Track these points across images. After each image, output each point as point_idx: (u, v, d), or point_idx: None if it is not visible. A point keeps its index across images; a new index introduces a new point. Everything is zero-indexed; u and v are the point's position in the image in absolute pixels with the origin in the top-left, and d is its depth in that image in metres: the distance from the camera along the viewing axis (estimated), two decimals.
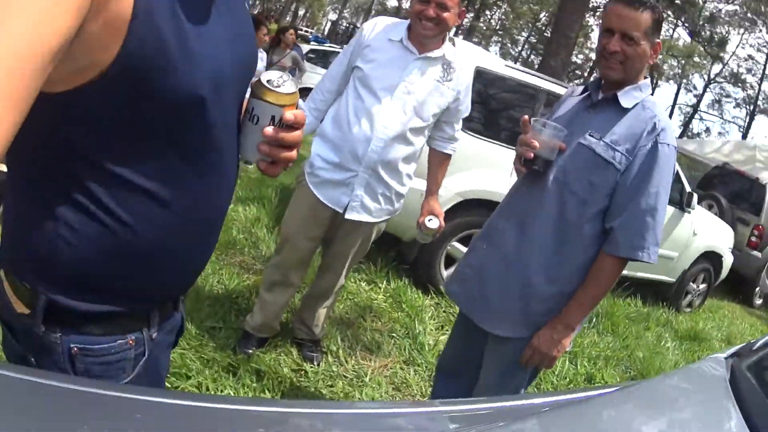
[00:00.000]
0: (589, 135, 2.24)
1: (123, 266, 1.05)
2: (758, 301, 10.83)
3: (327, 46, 19.38)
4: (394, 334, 4.16)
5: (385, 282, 4.91)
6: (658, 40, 2.28)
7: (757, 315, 10.20)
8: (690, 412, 1.35)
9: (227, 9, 1.12)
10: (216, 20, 1.08)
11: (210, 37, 1.05)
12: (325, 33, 47.42)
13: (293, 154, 1.18)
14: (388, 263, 5.20)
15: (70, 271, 1.02)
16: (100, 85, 0.92)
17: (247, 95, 1.20)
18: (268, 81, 1.14)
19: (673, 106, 46.76)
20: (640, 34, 2.18)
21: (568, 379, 4.38)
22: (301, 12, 55.40)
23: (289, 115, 1.14)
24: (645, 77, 2.35)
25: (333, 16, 60.85)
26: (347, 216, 3.01)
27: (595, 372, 4.65)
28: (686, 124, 46.92)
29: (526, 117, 2.28)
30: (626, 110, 2.25)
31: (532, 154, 2.21)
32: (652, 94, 2.35)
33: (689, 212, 7.11)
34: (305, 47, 14.07)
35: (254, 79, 1.19)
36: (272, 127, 1.13)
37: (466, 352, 2.60)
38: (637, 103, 2.26)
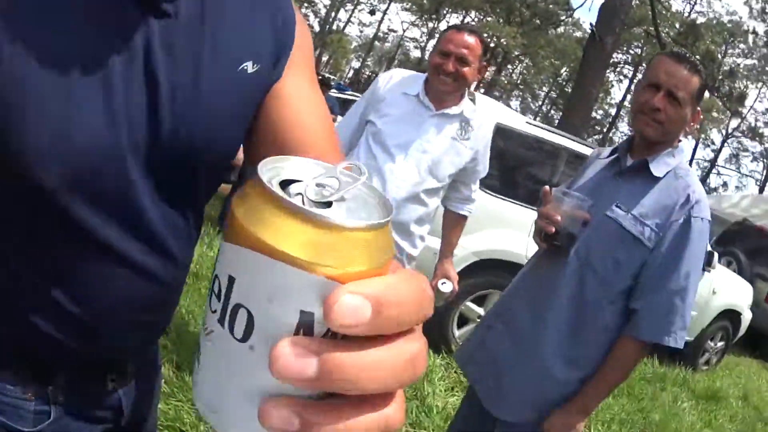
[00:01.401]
0: (616, 207, 2.05)
1: None
2: None
3: (348, 94, 18.14)
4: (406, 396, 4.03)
5: None
6: (699, 108, 2.13)
7: None
8: None
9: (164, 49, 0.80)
10: (123, 67, 0.77)
11: (88, 92, 0.75)
12: (347, 81, 45.48)
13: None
14: None
15: None
16: None
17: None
18: (290, 190, 0.39)
19: (690, 162, 46.88)
20: (687, 97, 2.03)
21: None
22: (324, 58, 54.16)
23: (351, 302, 0.34)
24: (679, 141, 2.17)
25: (356, 64, 59.96)
26: None
27: None
28: (704, 180, 46.85)
29: (547, 187, 2.09)
30: (657, 179, 2.06)
31: (553, 229, 2.01)
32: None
33: (709, 271, 6.98)
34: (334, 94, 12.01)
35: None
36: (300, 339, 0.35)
37: (474, 428, 2.40)
38: (669, 171, 2.07)
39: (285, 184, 0.39)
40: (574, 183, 2.31)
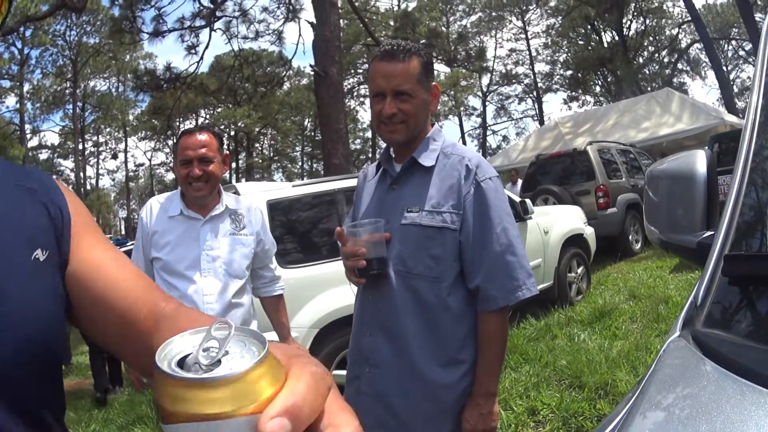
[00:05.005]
0: (407, 212, 2.20)
1: None
2: (637, 246, 11.92)
3: (130, 245, 19.52)
4: None
5: None
6: (434, 83, 2.27)
7: (643, 257, 11.22)
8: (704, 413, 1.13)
9: None
10: None
11: None
12: (123, 232, 50.30)
13: None
14: None
15: None
16: None
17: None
18: (179, 366, 0.55)
19: (463, 138, 50.05)
20: (413, 85, 2.16)
21: (512, 426, 4.59)
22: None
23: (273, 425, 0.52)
24: (432, 124, 2.34)
25: (123, 213, 63.48)
26: None
27: (534, 402, 4.89)
28: (483, 146, 50.11)
29: (339, 228, 2.25)
30: (431, 168, 2.23)
31: (363, 261, 2.17)
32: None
33: (530, 218, 7.76)
34: None
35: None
36: None
37: None
38: (438, 156, 2.24)
39: (181, 361, 0.55)
40: (357, 212, 2.48)
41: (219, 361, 0.54)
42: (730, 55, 47.74)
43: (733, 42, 46.57)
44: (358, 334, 2.41)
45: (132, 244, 18.51)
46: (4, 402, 0.86)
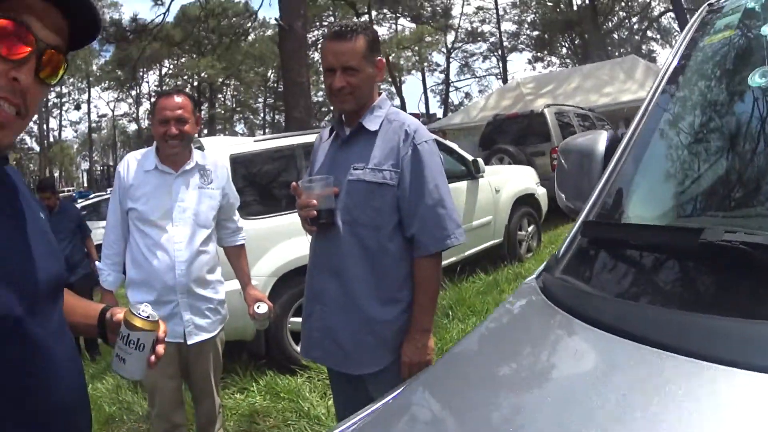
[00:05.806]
0: (353, 169, 2.54)
1: None
2: None
3: (94, 197, 20.67)
4: (289, 422, 4.48)
5: (254, 383, 5.24)
6: (379, 58, 2.64)
7: None
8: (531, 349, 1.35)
9: (30, 225, 1.34)
10: (22, 235, 1.30)
11: (19, 252, 1.28)
12: (85, 184, 52.61)
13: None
14: (248, 366, 5.57)
15: None
16: None
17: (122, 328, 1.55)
18: (142, 313, 1.53)
19: (425, 93, 49.91)
20: (359, 61, 2.51)
21: None
22: (56, 173, 58.36)
23: (162, 333, 1.61)
24: (379, 94, 2.70)
25: (85, 165, 64.57)
26: (190, 342, 3.36)
27: None
28: (445, 101, 50.02)
29: (295, 183, 2.61)
30: (375, 132, 2.57)
31: (315, 212, 2.52)
32: (400, 99, 2.66)
33: (482, 176, 7.99)
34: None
35: (119, 315, 1.58)
36: (159, 347, 1.59)
37: (353, 401, 2.64)
38: (382, 121, 2.59)
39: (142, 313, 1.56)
40: (312, 169, 2.81)
41: (150, 315, 1.54)
42: None
43: None
44: (310, 276, 2.77)
45: (95, 197, 18.76)
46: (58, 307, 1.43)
